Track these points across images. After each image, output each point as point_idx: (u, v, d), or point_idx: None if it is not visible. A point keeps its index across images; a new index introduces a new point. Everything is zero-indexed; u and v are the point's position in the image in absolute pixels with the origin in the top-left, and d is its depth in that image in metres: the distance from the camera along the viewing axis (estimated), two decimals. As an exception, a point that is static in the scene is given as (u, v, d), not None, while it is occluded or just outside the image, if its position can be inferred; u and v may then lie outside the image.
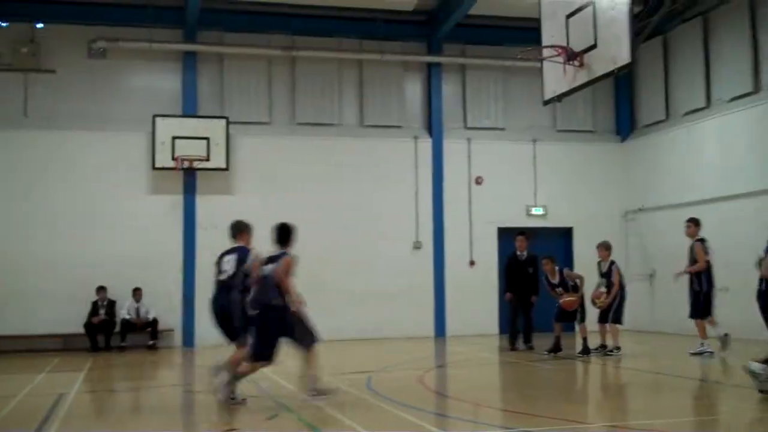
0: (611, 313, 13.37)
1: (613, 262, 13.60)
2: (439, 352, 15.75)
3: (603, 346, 13.58)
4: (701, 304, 13.03)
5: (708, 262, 12.98)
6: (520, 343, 14.72)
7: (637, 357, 13.30)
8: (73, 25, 17.41)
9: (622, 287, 13.49)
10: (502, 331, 18.12)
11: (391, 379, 11.25)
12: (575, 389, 11.15)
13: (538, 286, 14.78)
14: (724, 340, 13.01)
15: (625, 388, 10.91)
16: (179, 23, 17.70)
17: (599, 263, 13.79)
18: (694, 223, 13.40)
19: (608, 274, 13.53)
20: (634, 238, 19.01)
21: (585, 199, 19.38)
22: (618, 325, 13.47)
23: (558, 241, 19.13)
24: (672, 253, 17.58)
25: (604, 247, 13.79)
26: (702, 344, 12.97)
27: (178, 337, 17.27)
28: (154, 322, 16.64)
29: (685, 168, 17.70)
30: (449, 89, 19.35)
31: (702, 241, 13.15)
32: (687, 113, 17.81)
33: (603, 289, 13.50)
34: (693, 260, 13.09)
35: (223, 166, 17.44)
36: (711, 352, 12.83)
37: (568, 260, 18.51)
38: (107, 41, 17.26)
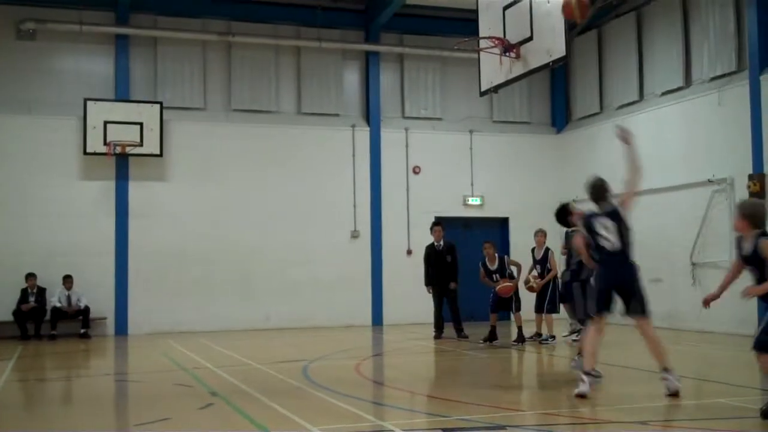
0: (546, 303, 13.60)
1: (548, 249, 13.83)
2: (376, 341, 15.78)
3: (538, 335, 13.79)
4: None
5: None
6: (453, 332, 14.82)
7: (570, 346, 13.48)
8: (0, 5, 16.89)
9: (556, 276, 13.71)
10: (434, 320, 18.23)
11: (327, 368, 11.22)
12: (510, 377, 11.27)
13: (456, 273, 14.93)
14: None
15: (558, 377, 11.06)
16: (111, 5, 17.33)
17: (533, 250, 14.05)
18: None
19: (544, 261, 13.76)
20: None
21: (521, 190, 19.59)
22: (553, 315, 13.71)
23: (494, 230, 19.31)
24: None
25: (543, 234, 14.02)
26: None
27: (110, 326, 16.96)
28: (86, 310, 16.31)
29: (618, 160, 17.85)
30: (387, 78, 19.35)
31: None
32: (621, 106, 18.12)
33: (536, 272, 13.77)
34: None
35: (157, 152, 17.16)
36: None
37: (504, 249, 18.62)
38: (36, 22, 16.80)
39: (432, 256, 15.21)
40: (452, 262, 14.98)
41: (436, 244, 15.22)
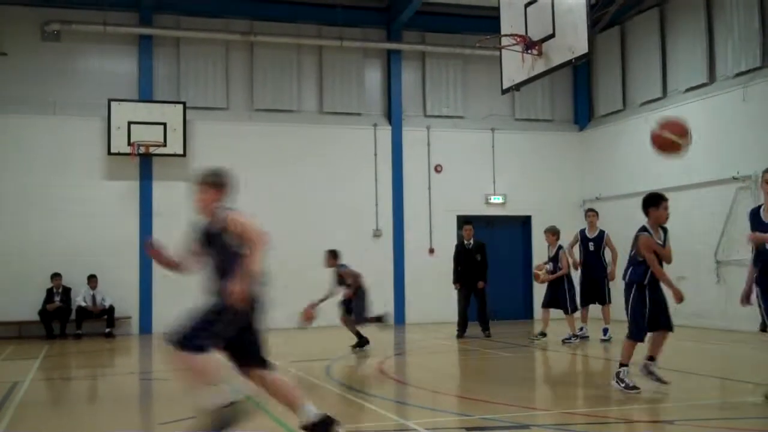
0: (567, 303, 13.52)
1: (560, 247, 13.77)
2: (399, 340, 15.77)
3: (543, 334, 13.77)
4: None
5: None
6: (476, 331, 14.80)
7: (598, 344, 13.39)
8: (26, 7, 17.07)
9: (569, 275, 13.64)
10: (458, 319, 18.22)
11: (350, 367, 11.26)
12: (534, 376, 11.22)
13: (486, 272, 14.90)
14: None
15: (583, 375, 11.02)
16: (134, 6, 17.45)
17: (549, 248, 14.00)
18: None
19: (555, 259, 13.70)
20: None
21: (543, 188, 19.52)
22: (575, 313, 13.67)
23: (517, 229, 19.28)
24: (629, 242, 17.83)
25: (551, 233, 13.96)
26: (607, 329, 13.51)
27: (135, 325, 17.09)
28: (111, 309, 16.45)
29: (642, 157, 17.82)
30: (409, 77, 19.34)
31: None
32: (644, 103, 18.01)
33: (547, 266, 13.76)
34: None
35: (180, 152, 17.25)
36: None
37: (527, 248, 18.69)
38: (61, 24, 16.95)
39: (461, 254, 15.18)
40: (481, 261, 14.93)
41: (466, 242, 15.18)
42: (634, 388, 8.10)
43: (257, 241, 5.77)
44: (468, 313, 15.03)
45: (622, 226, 17.93)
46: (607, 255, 13.81)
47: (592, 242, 13.79)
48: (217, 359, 6.04)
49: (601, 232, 13.83)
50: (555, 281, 13.64)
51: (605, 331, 13.51)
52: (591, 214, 14.12)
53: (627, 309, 8.32)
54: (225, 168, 6.46)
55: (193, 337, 5.92)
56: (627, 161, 18.38)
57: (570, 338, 13.41)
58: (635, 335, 8.24)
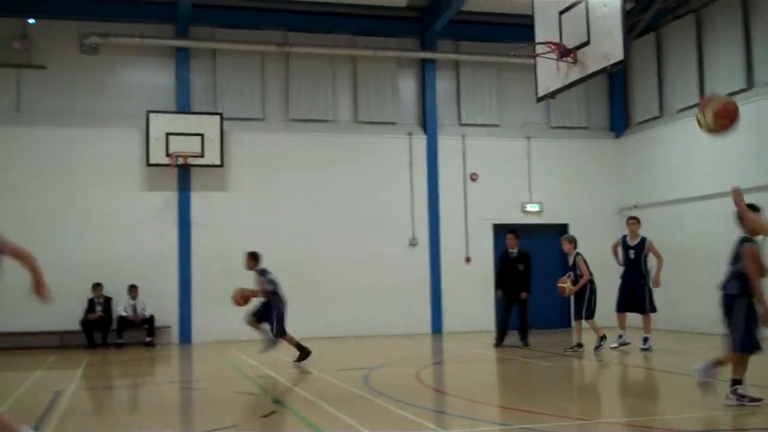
0: (584, 310, 13.44)
1: (578, 254, 13.66)
2: (436, 349, 15.77)
3: (579, 345, 13.61)
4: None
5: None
6: (518, 341, 14.74)
7: (637, 354, 13.28)
8: (65, 21, 17.37)
9: (591, 281, 13.50)
10: (497, 327, 18.17)
11: (388, 376, 11.26)
12: (573, 386, 11.15)
13: (529, 282, 14.83)
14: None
15: (624, 385, 10.93)
16: (171, 19, 17.66)
17: (567, 256, 13.88)
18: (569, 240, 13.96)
19: (574, 267, 13.61)
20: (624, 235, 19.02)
21: (580, 196, 19.41)
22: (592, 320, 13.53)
23: (554, 237, 19.03)
24: (668, 250, 17.66)
25: (568, 240, 13.88)
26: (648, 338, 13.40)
27: (175, 334, 17.26)
28: (151, 319, 16.63)
29: (681, 164, 17.74)
30: (443, 85, 19.36)
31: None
32: (681, 110, 17.84)
33: (570, 277, 13.62)
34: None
35: (218, 162, 17.41)
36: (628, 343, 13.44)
37: (564, 257, 18.47)
38: (99, 37, 17.21)
39: (505, 263, 15.15)
40: (525, 271, 14.86)
41: (509, 251, 15.13)
42: (757, 399, 7.73)
43: None
44: (509, 322, 14.96)
45: (662, 234, 17.84)
46: (651, 260, 13.67)
47: (632, 250, 13.68)
48: None
49: (642, 240, 13.71)
50: (583, 296, 13.51)
51: (645, 340, 13.39)
52: (632, 222, 13.95)
53: (733, 322, 7.80)
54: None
55: None
56: (666, 168, 18.22)
57: (574, 347, 13.40)
58: (746, 348, 7.73)
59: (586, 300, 13.44)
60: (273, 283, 12.50)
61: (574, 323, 13.89)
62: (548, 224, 19.21)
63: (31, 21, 17.14)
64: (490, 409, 8.67)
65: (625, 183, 19.52)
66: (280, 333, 12.30)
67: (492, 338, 15.20)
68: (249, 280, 17.41)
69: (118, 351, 15.87)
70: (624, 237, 13.91)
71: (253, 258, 12.88)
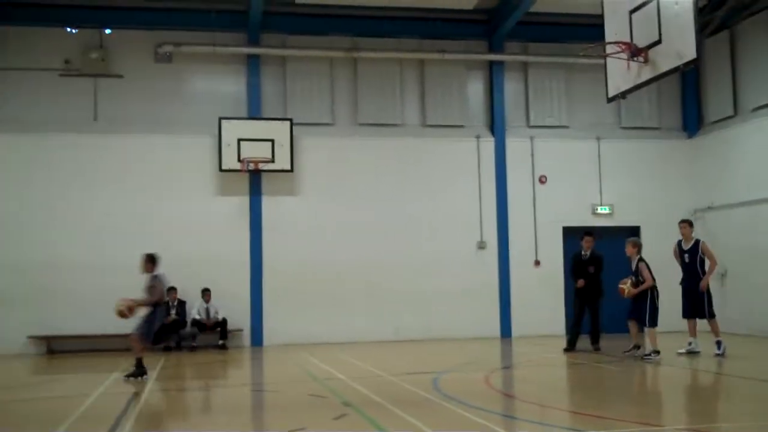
0: (647, 317, 13.17)
1: (641, 259, 13.43)
2: (505, 353, 15.69)
3: (636, 346, 13.42)
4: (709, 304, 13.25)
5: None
6: (586, 344, 14.58)
7: (709, 359, 13.01)
8: (140, 31, 17.82)
9: (653, 287, 13.25)
10: (568, 331, 17.99)
11: (457, 380, 11.25)
12: (645, 391, 10.99)
13: (601, 286, 14.64)
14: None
15: (696, 390, 10.73)
16: (242, 27, 17.95)
17: (629, 259, 13.62)
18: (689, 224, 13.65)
19: (636, 272, 13.36)
20: (704, 237, 18.53)
21: (652, 198, 19.08)
22: (656, 328, 13.23)
23: (625, 240, 18.84)
24: (744, 252, 17.28)
25: (632, 244, 13.63)
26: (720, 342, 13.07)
27: (247, 337, 17.53)
28: (224, 322, 16.91)
29: (756, 164, 17.31)
30: (511, 87, 19.25)
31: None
32: (756, 108, 17.42)
33: (631, 279, 13.34)
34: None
35: (288, 167, 17.63)
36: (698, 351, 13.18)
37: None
38: (173, 46, 17.61)
39: (576, 265, 15.03)
40: (595, 274, 14.70)
41: (582, 252, 15.00)
42: None
43: None
44: (580, 326, 14.82)
45: (738, 235, 17.49)
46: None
47: (687, 254, 13.45)
48: None
49: (696, 242, 13.44)
50: (640, 294, 13.25)
51: (718, 344, 13.07)
52: (683, 225, 13.66)
53: None
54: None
55: None
56: (741, 168, 17.80)
57: (650, 354, 12.97)
58: None
59: (648, 307, 13.17)
60: (161, 292, 12.02)
61: (629, 323, 13.59)
62: (619, 227, 18.92)
63: (107, 31, 17.63)
64: (560, 414, 8.61)
65: (699, 184, 19.11)
66: (151, 341, 11.85)
67: (562, 342, 15.05)
68: (322, 284, 17.63)
69: (191, 354, 16.18)
70: (679, 242, 13.63)
71: (151, 261, 12.35)
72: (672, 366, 12.36)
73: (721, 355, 12.86)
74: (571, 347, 14.65)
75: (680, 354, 13.22)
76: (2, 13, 17.17)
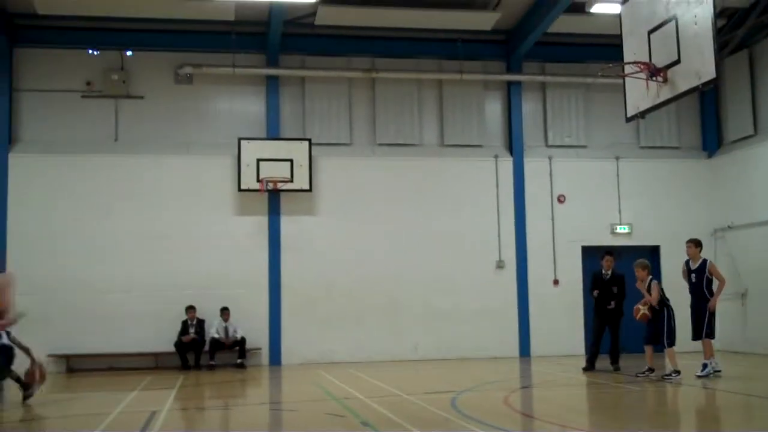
0: (664, 338, 13.11)
1: (652, 279, 13.39)
2: (524, 373, 15.61)
3: (650, 369, 13.32)
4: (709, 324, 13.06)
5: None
6: (603, 364, 14.50)
7: (731, 379, 12.91)
8: (160, 53, 18.01)
9: (668, 307, 13.22)
10: (588, 351, 17.90)
11: (476, 400, 11.21)
12: (665, 412, 10.90)
13: (621, 305, 14.59)
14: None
15: (717, 411, 10.64)
16: (262, 48, 18.11)
17: (641, 282, 13.57)
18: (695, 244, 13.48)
19: (649, 292, 13.31)
20: (723, 257, 18.50)
21: (672, 217, 19.00)
22: (674, 348, 13.17)
23: (644, 259, 18.77)
24: (765, 271, 17.17)
25: (641, 267, 13.55)
26: (707, 364, 12.97)
27: (265, 356, 17.55)
28: (242, 341, 16.95)
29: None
30: (529, 107, 19.28)
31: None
32: (776, 127, 17.36)
33: (645, 306, 13.31)
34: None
35: (307, 187, 17.70)
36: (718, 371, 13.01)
37: (656, 278, 18.14)
38: (193, 67, 17.78)
39: (598, 284, 14.97)
40: (618, 293, 14.66)
41: (604, 272, 14.95)
42: None
43: None
44: (599, 346, 14.76)
45: (757, 255, 17.37)
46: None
47: (694, 273, 13.31)
48: None
49: (703, 262, 13.29)
50: (655, 315, 13.22)
51: (704, 366, 12.96)
52: (689, 245, 13.49)
53: None
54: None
55: None
56: (761, 187, 17.70)
57: (670, 375, 12.88)
58: None
59: (665, 327, 13.12)
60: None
61: (645, 348, 13.53)
62: (638, 246, 18.85)
63: (128, 53, 17.83)
64: (580, 434, 8.56)
65: (719, 203, 19.02)
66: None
67: (581, 362, 14.97)
68: (340, 304, 17.66)
69: (210, 372, 16.21)
70: (687, 262, 13.53)
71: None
72: (693, 386, 12.26)
73: (704, 377, 12.73)
74: (590, 367, 14.59)
75: (699, 376, 13.09)
76: (25, 36, 17.45)
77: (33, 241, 17.00)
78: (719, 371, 13.14)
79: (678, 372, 12.89)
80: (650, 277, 13.47)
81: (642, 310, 13.30)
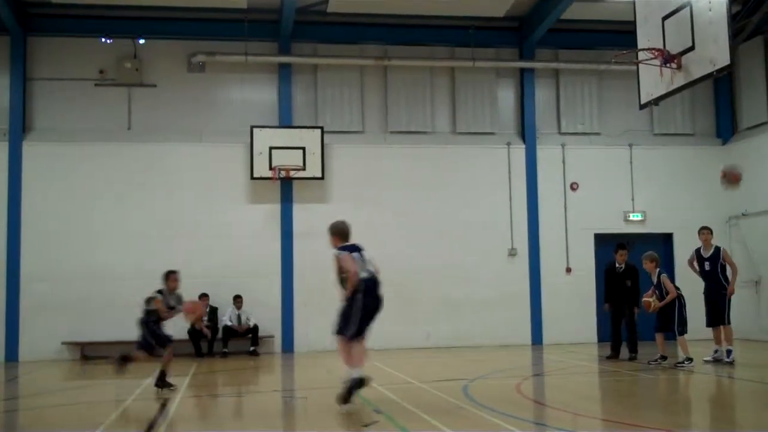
0: (675, 326, 13.14)
1: (660, 272, 13.37)
2: (537, 361, 15.61)
3: (663, 357, 13.37)
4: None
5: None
6: (625, 353, 14.48)
7: (745, 366, 12.88)
8: (173, 41, 18.02)
9: (679, 296, 13.22)
10: (600, 339, 17.90)
11: (488, 387, 11.23)
12: (677, 399, 10.89)
13: (637, 298, 14.53)
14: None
15: (731, 398, 10.62)
16: (274, 36, 18.08)
17: (650, 275, 13.59)
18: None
19: (659, 285, 13.30)
20: (738, 244, 18.44)
21: (685, 205, 18.91)
22: (685, 335, 13.23)
23: (658, 247, 18.55)
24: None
25: (649, 260, 13.56)
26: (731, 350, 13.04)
27: (278, 343, 17.61)
28: (255, 328, 17.01)
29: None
30: (542, 95, 19.20)
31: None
32: (791, 114, 17.23)
33: (652, 298, 13.37)
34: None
35: (319, 175, 17.70)
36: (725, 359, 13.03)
37: (669, 266, 18.08)
38: (206, 55, 17.78)
39: (611, 277, 14.95)
40: (632, 287, 14.63)
41: (617, 265, 14.91)
42: None
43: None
44: (620, 334, 14.78)
45: (772, 243, 17.27)
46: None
47: (707, 261, 13.38)
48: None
49: (717, 249, 13.38)
50: (666, 304, 13.23)
51: (729, 352, 13.06)
52: (704, 232, 13.57)
53: None
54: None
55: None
56: (775, 175, 17.58)
57: (683, 362, 12.92)
58: None
59: (676, 316, 13.16)
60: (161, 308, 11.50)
61: (656, 336, 13.54)
62: (652, 233, 18.79)
63: (141, 41, 17.85)
64: (593, 422, 8.56)
65: (733, 191, 18.88)
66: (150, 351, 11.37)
67: (594, 350, 14.96)
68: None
69: (223, 360, 16.29)
70: (698, 249, 13.54)
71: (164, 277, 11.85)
72: (706, 374, 12.24)
73: (730, 363, 12.83)
74: (614, 354, 14.59)
75: (707, 361, 13.13)
76: (39, 24, 17.49)
77: (47, 229, 17.10)
78: (721, 360, 13.23)
79: (690, 359, 12.92)
80: (658, 269, 13.43)
81: (653, 303, 13.29)
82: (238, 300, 17.14)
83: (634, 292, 14.58)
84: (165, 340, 11.38)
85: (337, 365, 14.10)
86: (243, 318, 17.11)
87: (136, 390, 11.34)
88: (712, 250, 13.38)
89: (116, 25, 17.74)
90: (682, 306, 13.21)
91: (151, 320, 11.38)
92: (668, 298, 13.14)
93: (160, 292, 11.55)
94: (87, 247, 17.16)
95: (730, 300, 13.22)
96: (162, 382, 11.16)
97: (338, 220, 10.32)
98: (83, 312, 16.90)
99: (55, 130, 17.44)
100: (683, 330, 13.15)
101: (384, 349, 17.30)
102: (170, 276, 11.67)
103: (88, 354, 16.84)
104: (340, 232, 10.06)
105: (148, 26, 17.88)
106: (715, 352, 13.35)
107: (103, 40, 17.76)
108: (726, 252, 13.42)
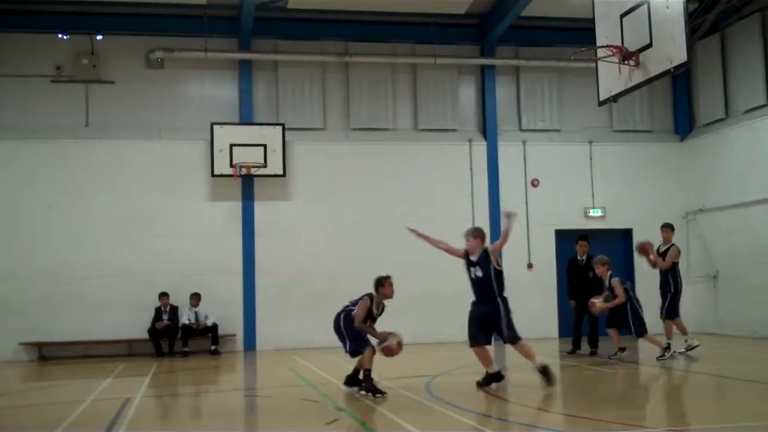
0: (638, 329, 13.29)
1: (611, 276, 13.50)
2: (499, 356, 15.66)
3: (621, 349, 13.61)
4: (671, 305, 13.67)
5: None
6: (586, 348, 14.61)
7: (700, 360, 13.07)
8: (131, 37, 17.80)
9: (631, 299, 13.39)
10: (561, 334, 18.03)
11: (450, 383, 11.27)
12: (635, 393, 11.01)
13: (601, 290, 14.65)
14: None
15: (689, 392, 10.76)
16: (234, 32, 17.95)
17: (601, 279, 13.76)
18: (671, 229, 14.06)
19: (610, 289, 13.44)
20: (695, 239, 18.70)
21: (644, 200, 19.12)
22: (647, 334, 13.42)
23: (617, 242, 18.94)
24: (735, 254, 17.36)
25: (601, 264, 13.65)
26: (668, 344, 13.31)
27: (240, 342, 17.50)
28: (214, 327, 16.88)
29: (747, 167, 17.37)
30: (503, 92, 19.29)
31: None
32: (747, 111, 17.49)
33: (599, 299, 13.50)
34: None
35: (280, 172, 17.61)
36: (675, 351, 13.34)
37: (628, 261, 18.33)
38: (164, 51, 17.59)
39: (574, 270, 15.05)
40: (595, 278, 14.74)
41: (579, 258, 15.02)
42: None
43: None
44: (581, 330, 14.89)
45: (729, 237, 17.55)
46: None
47: (662, 256, 13.86)
48: None
49: (669, 248, 13.83)
50: (617, 307, 13.37)
51: (669, 346, 13.28)
52: (665, 230, 14.02)
53: None
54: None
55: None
56: (732, 171, 17.85)
57: (663, 354, 13.10)
58: None
59: (630, 319, 13.28)
60: None
61: (609, 331, 13.71)
62: (612, 229, 18.99)
63: (98, 37, 17.61)
64: (554, 417, 8.62)
65: (691, 186, 19.17)
66: None
67: (555, 345, 15.06)
68: (315, 288, 17.66)
69: (184, 359, 16.15)
70: (659, 246, 13.90)
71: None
72: (664, 368, 12.39)
73: (664, 359, 13.00)
74: (574, 350, 14.71)
75: (680, 353, 13.35)
76: (-7, 20, 17.18)
77: (4, 227, 16.82)
78: (678, 351, 13.51)
79: (623, 350, 13.51)
80: (610, 273, 13.55)
81: (597, 303, 13.42)
82: (194, 298, 16.97)
83: (597, 284, 14.70)
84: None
85: (301, 364, 14.08)
86: (201, 316, 16.97)
87: (95, 390, 11.18)
88: (666, 247, 13.84)
89: (73, 20, 17.47)
90: (636, 309, 13.36)
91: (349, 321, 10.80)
92: (615, 302, 13.28)
93: (369, 296, 10.93)
94: (45, 246, 16.89)
95: (674, 296, 13.62)
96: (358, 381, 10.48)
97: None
98: (42, 311, 16.64)
99: (11, 128, 17.13)
100: (644, 330, 13.29)
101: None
102: (385, 282, 10.93)
103: (46, 354, 16.60)
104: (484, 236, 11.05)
105: (106, 22, 17.64)
106: (686, 341, 13.66)
107: (60, 35, 17.49)
108: (675, 249, 13.79)
